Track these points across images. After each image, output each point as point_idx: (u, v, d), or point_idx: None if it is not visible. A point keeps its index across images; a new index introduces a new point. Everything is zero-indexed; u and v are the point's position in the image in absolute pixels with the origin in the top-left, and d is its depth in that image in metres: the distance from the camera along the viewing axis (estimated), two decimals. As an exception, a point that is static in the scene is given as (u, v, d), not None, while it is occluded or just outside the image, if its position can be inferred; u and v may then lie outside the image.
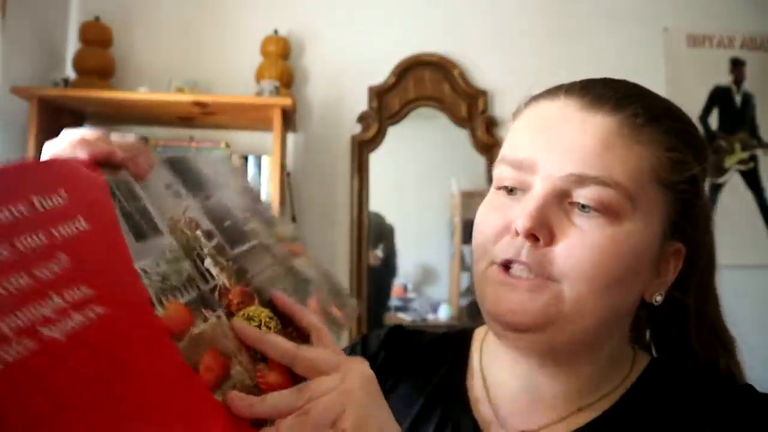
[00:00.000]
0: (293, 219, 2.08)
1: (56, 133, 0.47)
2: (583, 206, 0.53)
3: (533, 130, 0.58)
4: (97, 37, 2.00)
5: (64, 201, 0.38)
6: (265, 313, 0.50)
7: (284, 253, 0.58)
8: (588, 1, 2.35)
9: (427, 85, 2.25)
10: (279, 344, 0.47)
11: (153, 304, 0.41)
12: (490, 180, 0.61)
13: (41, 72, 1.98)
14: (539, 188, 0.54)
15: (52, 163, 0.43)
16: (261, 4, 2.24)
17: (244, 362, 0.46)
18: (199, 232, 0.51)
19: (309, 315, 0.52)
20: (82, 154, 0.45)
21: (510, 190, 0.57)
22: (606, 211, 0.53)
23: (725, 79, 2.38)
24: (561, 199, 0.54)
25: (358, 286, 2.16)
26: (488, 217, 0.58)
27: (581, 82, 0.59)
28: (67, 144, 0.46)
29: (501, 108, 2.26)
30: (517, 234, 0.54)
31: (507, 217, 0.55)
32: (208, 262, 0.49)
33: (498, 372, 0.64)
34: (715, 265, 0.65)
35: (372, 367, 0.50)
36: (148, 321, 0.39)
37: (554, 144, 0.55)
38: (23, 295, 0.34)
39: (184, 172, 0.54)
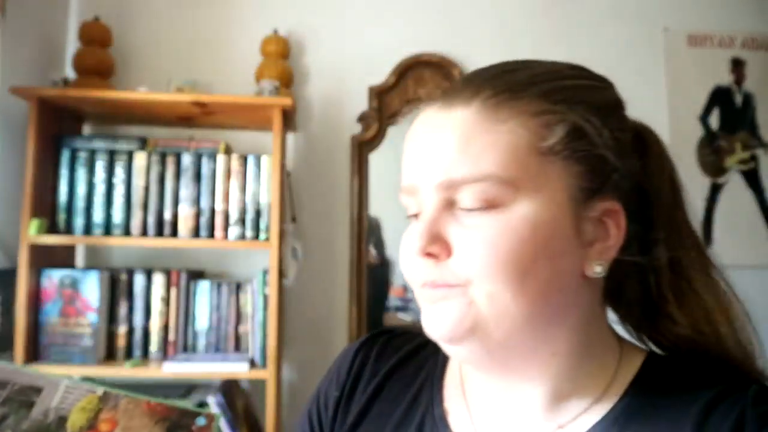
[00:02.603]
0: (293, 219, 2.08)
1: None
2: (469, 209, 0.51)
3: (407, 150, 0.56)
4: (96, 37, 2.00)
5: None
6: None
7: None
8: (588, 1, 2.35)
9: (427, 85, 2.25)
10: None
11: None
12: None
13: (41, 72, 1.98)
14: (424, 207, 0.54)
15: None
16: (261, 4, 2.24)
17: None
18: None
19: None
20: None
21: (416, 216, 0.56)
22: (489, 205, 0.50)
23: (726, 78, 2.38)
24: (450, 209, 0.53)
25: (358, 285, 2.16)
26: (403, 246, 0.56)
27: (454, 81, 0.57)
28: None
29: (501, 108, 2.25)
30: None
31: None
32: None
33: (475, 382, 0.62)
34: (682, 200, 0.60)
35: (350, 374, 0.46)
36: None
37: (421, 159, 0.54)
38: None
39: None
